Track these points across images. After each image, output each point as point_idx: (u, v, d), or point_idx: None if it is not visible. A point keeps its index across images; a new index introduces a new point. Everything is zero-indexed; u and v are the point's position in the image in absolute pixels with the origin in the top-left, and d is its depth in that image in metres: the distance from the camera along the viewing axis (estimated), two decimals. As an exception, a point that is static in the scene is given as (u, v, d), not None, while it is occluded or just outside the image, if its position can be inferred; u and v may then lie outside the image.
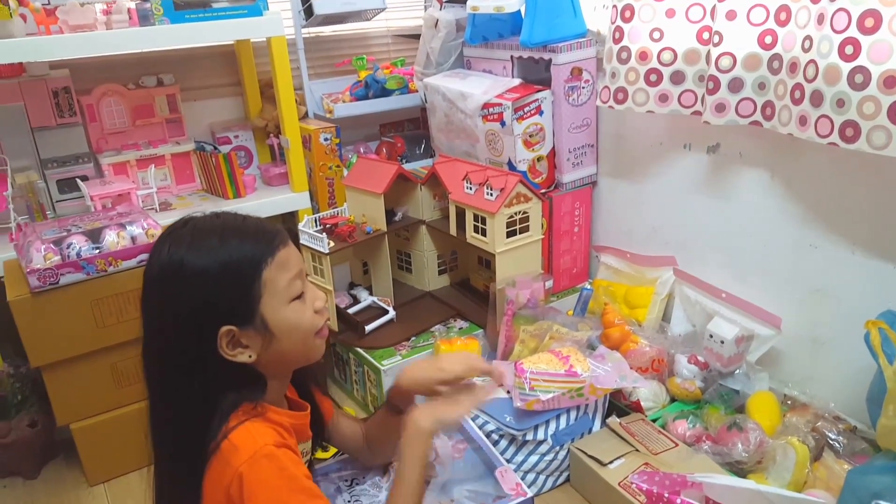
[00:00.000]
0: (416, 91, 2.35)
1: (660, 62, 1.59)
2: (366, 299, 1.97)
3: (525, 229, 1.77)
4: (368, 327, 1.83)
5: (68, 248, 1.53)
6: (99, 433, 1.69)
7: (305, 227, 1.82)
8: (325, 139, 2.18)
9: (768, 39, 1.39)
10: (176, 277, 0.88)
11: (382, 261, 1.93)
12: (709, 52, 1.48)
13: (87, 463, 1.71)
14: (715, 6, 1.44)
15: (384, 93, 2.33)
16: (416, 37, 2.37)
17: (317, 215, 1.90)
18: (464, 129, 2.06)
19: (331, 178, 2.24)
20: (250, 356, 0.93)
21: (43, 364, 1.58)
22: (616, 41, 1.65)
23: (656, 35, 1.57)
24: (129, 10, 1.78)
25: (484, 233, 1.74)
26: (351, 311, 1.92)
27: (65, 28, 1.73)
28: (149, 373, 0.95)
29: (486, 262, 1.98)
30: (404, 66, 2.47)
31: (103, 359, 1.65)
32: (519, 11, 1.95)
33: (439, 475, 1.38)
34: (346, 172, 2.27)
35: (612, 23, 1.65)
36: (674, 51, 1.57)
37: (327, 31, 2.49)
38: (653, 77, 1.61)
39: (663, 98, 1.62)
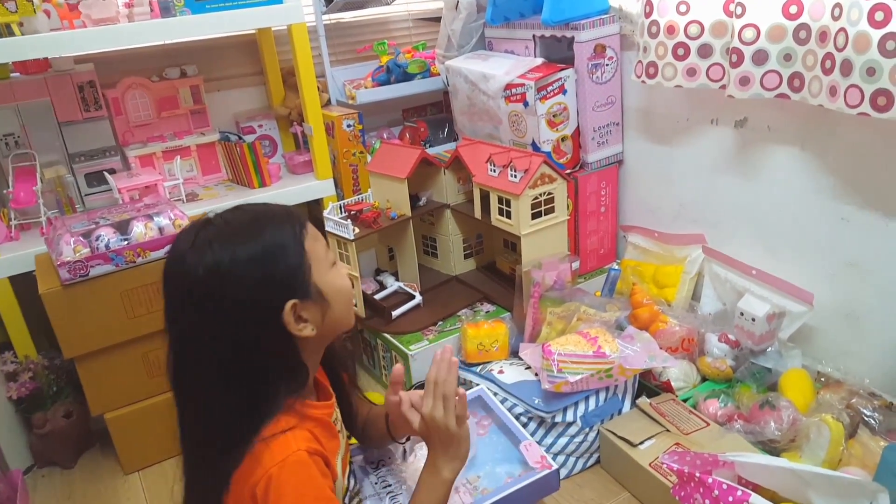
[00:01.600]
0: (438, 74, 2.33)
1: (687, 35, 1.55)
2: (392, 285, 1.97)
3: (550, 210, 1.75)
4: (395, 312, 1.84)
5: (97, 240, 1.56)
6: (132, 422, 1.72)
7: (330, 214, 1.82)
8: (348, 126, 2.18)
9: (793, 9, 1.34)
10: (228, 273, 0.87)
11: (408, 246, 1.93)
12: (733, 24, 1.43)
13: (121, 452, 1.75)
14: (740, -23, 1.40)
15: (406, 77, 2.32)
16: (437, 20, 2.35)
17: (341, 202, 1.90)
18: (486, 111, 2.04)
19: (355, 165, 2.24)
20: (313, 329, 0.94)
21: (76, 355, 1.61)
22: (647, 15, 1.62)
23: (682, 8, 1.54)
24: (150, 2, 1.79)
25: (509, 215, 1.72)
26: (378, 296, 1.92)
27: (88, 22, 1.75)
28: (185, 372, 0.94)
29: (512, 244, 1.97)
30: (425, 49, 2.46)
31: (134, 349, 1.67)
32: (539, -11, 1.92)
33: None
34: (369, 158, 2.27)
35: (643, -3, 1.62)
36: (700, 24, 1.53)
37: (347, 16, 2.48)
38: (680, 51, 1.57)
39: (691, 72, 1.58)
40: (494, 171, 1.74)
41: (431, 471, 1.05)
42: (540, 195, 1.71)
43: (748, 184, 1.70)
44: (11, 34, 1.62)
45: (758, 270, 1.69)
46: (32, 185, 1.86)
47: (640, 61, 1.70)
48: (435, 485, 1.04)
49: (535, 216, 1.72)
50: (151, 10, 1.80)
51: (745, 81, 1.44)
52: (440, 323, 1.83)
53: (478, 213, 1.85)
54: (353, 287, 1.02)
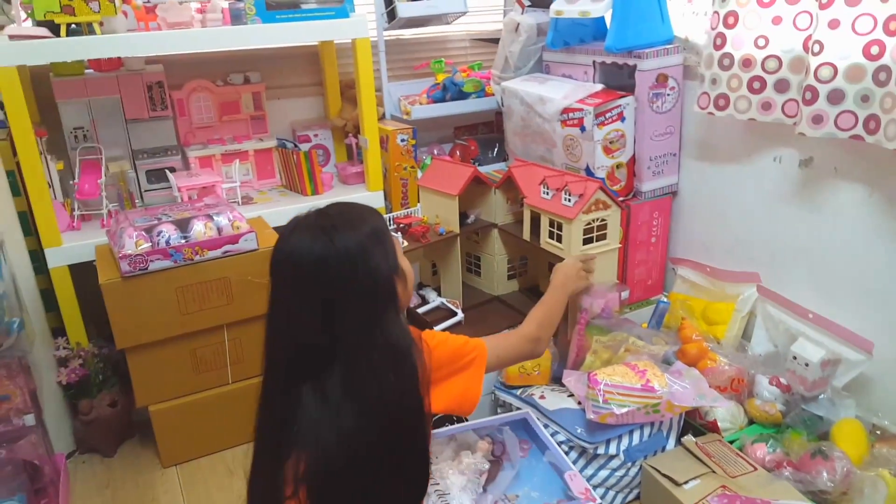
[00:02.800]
0: (493, 94, 2.34)
1: (764, 70, 1.53)
2: (434, 300, 1.97)
3: (602, 237, 1.73)
4: (437, 328, 1.83)
5: (158, 235, 1.59)
6: (175, 416, 1.75)
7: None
8: (402, 140, 2.20)
9: (875, 50, 1.32)
10: (360, 254, 0.98)
11: (453, 262, 1.93)
12: (810, 62, 1.41)
13: (161, 445, 1.77)
14: (817, 14, 1.37)
15: (461, 95, 2.34)
16: (495, 41, 2.37)
17: (390, 214, 1.91)
18: (541, 133, 2.04)
19: (405, 179, 2.26)
20: (401, 304, 1.06)
21: (128, 346, 1.65)
22: (717, 47, 1.60)
23: (761, 42, 1.52)
24: (222, 9, 1.84)
25: (559, 238, 1.71)
26: (419, 311, 1.92)
27: (163, 25, 1.80)
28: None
29: (559, 269, 1.95)
30: (481, 69, 2.48)
31: (184, 344, 1.71)
32: (602, 16, 1.92)
33: (507, 469, 1.38)
34: (420, 173, 2.29)
35: (713, 28, 1.61)
36: (779, 59, 1.51)
37: (407, 33, 2.52)
38: (756, 84, 1.56)
39: (766, 106, 1.56)
40: (548, 193, 1.74)
41: (556, 285, 1.43)
42: (593, 221, 1.70)
43: (809, 225, 1.66)
44: (92, 32, 1.68)
45: (814, 314, 1.65)
46: (97, 178, 1.92)
47: (705, 93, 1.68)
48: (559, 295, 1.41)
49: (586, 241, 1.71)
50: (222, 17, 1.85)
51: (818, 120, 1.42)
52: (482, 342, 1.82)
53: (526, 235, 1.84)
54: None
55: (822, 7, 1.35)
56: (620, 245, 1.93)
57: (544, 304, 1.38)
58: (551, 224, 1.74)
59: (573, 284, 1.48)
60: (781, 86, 1.53)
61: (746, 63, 1.56)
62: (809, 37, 1.45)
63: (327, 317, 0.98)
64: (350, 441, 0.98)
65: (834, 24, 1.35)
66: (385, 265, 1.02)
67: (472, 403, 1.15)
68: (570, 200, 1.68)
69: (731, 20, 1.57)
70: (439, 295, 2.00)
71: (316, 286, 0.98)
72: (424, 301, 1.98)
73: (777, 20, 1.50)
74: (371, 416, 0.98)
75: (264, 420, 1.05)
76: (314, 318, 0.98)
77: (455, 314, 1.89)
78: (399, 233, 1.77)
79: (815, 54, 1.38)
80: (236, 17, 1.84)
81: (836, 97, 1.39)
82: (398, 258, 1.07)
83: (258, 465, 1.04)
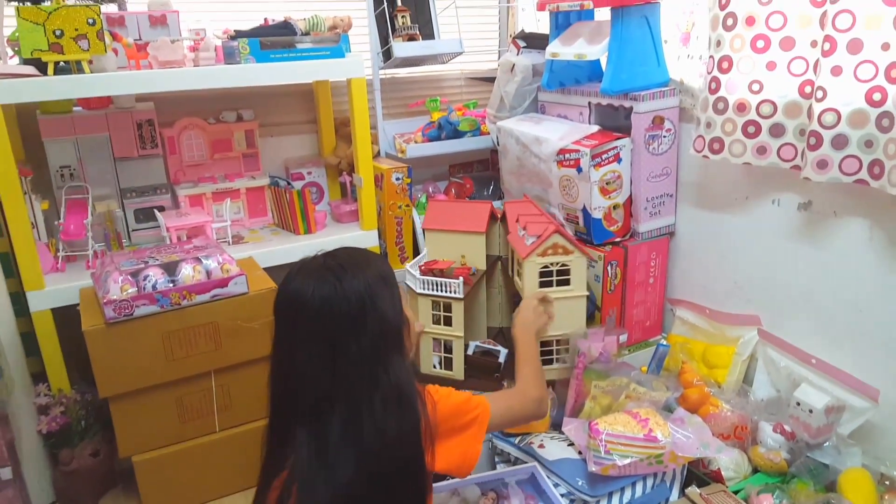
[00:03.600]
0: (488, 133, 2.33)
1: (759, 114, 1.53)
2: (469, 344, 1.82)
3: (564, 282, 1.65)
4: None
5: (145, 279, 1.55)
6: (160, 466, 1.68)
7: (413, 269, 1.74)
8: (397, 178, 2.18)
9: (877, 96, 1.31)
10: (368, 297, 0.99)
11: (480, 302, 1.88)
12: (811, 106, 1.41)
13: (145, 496, 1.70)
14: (819, 61, 1.37)
15: (456, 134, 2.33)
16: (490, 79, 2.37)
17: (415, 262, 1.84)
18: (537, 173, 2.02)
19: (399, 217, 2.23)
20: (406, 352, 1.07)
21: (111, 395, 1.59)
22: (712, 91, 1.60)
23: (755, 87, 1.52)
24: (215, 47, 1.82)
25: (521, 276, 1.69)
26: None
27: (154, 63, 1.78)
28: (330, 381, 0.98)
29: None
30: (476, 108, 2.47)
31: (170, 392, 1.65)
32: (597, 59, 1.92)
33: None
34: (415, 212, 2.26)
35: (708, 73, 1.60)
36: (774, 103, 1.51)
37: (402, 72, 2.52)
38: (751, 129, 1.55)
39: (761, 150, 1.55)
40: (520, 231, 1.71)
41: (520, 333, 1.44)
42: (551, 264, 1.63)
43: (810, 268, 1.64)
44: (81, 71, 1.65)
45: (817, 359, 1.62)
46: (83, 218, 1.87)
47: (700, 136, 1.67)
48: (528, 340, 1.43)
49: (544, 284, 1.65)
50: (216, 55, 1.83)
51: (822, 165, 1.40)
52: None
53: (510, 270, 1.83)
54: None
55: (825, 54, 1.35)
56: (614, 290, 1.91)
57: (527, 361, 1.37)
58: (518, 262, 1.71)
59: (534, 325, 1.49)
60: (777, 130, 1.52)
61: (741, 107, 1.55)
62: (806, 82, 1.45)
63: (330, 358, 0.97)
64: (345, 497, 0.95)
65: (836, 70, 1.35)
66: (392, 310, 1.02)
67: (470, 466, 1.11)
68: (528, 240, 1.65)
69: (725, 65, 1.56)
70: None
71: (320, 327, 0.97)
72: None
73: (771, 66, 1.50)
74: (368, 462, 0.96)
75: (266, 467, 1.03)
76: (316, 360, 0.97)
77: (498, 352, 1.77)
78: (436, 277, 1.67)
79: (818, 100, 1.38)
80: (230, 56, 1.82)
81: (839, 142, 1.38)
82: (404, 306, 1.07)
83: None
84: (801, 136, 1.48)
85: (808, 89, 1.45)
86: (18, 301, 1.75)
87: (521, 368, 1.36)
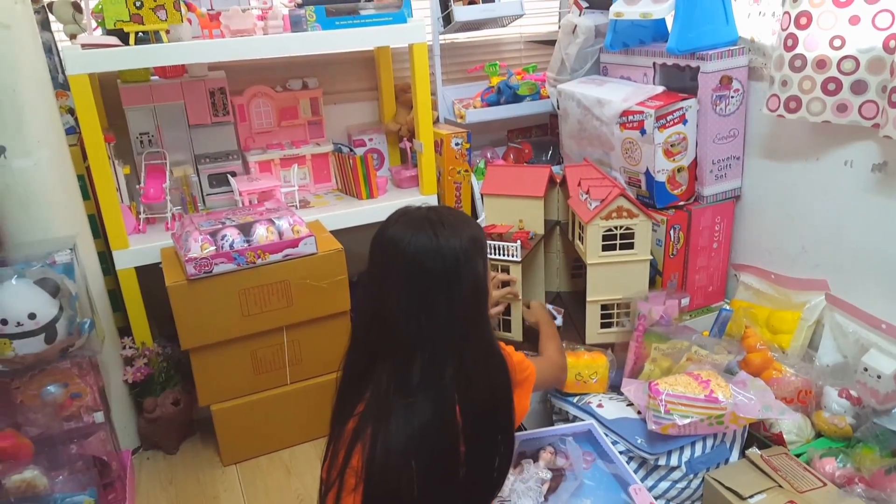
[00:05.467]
0: (548, 97, 2.32)
1: (840, 71, 1.47)
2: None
3: (628, 246, 1.66)
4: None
5: (223, 239, 1.63)
6: (236, 416, 1.79)
7: None
8: (457, 144, 2.20)
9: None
10: (462, 255, 1.01)
11: (538, 266, 1.90)
12: (894, 61, 1.35)
13: (223, 443, 1.81)
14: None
15: (516, 99, 2.33)
16: (550, 42, 2.35)
17: None
18: (598, 136, 2.01)
19: (458, 183, 2.26)
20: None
21: (192, 347, 1.69)
22: (788, 49, 1.55)
23: (837, 42, 1.46)
24: (283, 16, 1.87)
25: (583, 240, 1.69)
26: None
27: (226, 32, 1.84)
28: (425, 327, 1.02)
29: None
30: (535, 71, 2.46)
31: (245, 346, 1.74)
32: (663, 18, 1.88)
33: (570, 480, 1.36)
34: (473, 177, 2.28)
35: (784, 29, 1.55)
36: (856, 59, 1.45)
37: (462, 37, 2.52)
38: (831, 86, 1.50)
39: (842, 108, 1.50)
40: (583, 195, 1.71)
41: (540, 314, 1.69)
42: (615, 228, 1.64)
43: (882, 231, 1.59)
44: (159, 40, 1.73)
45: (888, 324, 1.58)
46: (162, 182, 1.97)
47: (774, 95, 1.63)
48: (550, 321, 1.68)
49: (608, 248, 1.66)
50: (283, 24, 1.88)
51: (906, 123, 1.35)
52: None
53: (570, 234, 1.83)
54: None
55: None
56: (677, 254, 1.90)
57: (550, 337, 1.59)
58: (579, 225, 1.71)
59: (545, 313, 1.73)
60: (859, 87, 1.47)
61: (821, 64, 1.50)
62: (891, 36, 1.39)
63: (417, 307, 1.00)
64: (420, 439, 0.98)
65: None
66: (483, 271, 1.07)
67: (520, 419, 1.19)
68: (591, 204, 1.65)
69: (803, 20, 1.51)
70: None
71: (411, 277, 1.01)
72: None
73: (855, 20, 1.44)
74: (451, 413, 0.99)
75: (341, 396, 1.08)
76: (405, 306, 1.00)
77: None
78: (495, 241, 1.69)
79: (900, 55, 1.32)
80: (296, 24, 1.87)
81: (924, 100, 1.32)
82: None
83: (330, 448, 1.06)
84: (884, 93, 1.42)
85: (892, 44, 1.38)
86: (104, 260, 1.87)
87: (547, 343, 1.56)
